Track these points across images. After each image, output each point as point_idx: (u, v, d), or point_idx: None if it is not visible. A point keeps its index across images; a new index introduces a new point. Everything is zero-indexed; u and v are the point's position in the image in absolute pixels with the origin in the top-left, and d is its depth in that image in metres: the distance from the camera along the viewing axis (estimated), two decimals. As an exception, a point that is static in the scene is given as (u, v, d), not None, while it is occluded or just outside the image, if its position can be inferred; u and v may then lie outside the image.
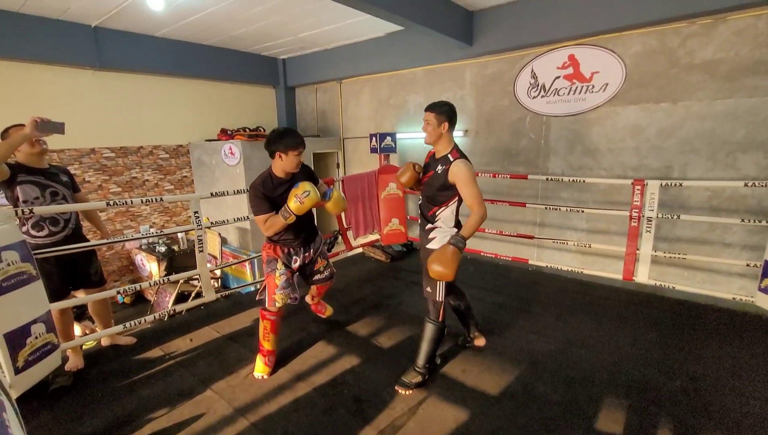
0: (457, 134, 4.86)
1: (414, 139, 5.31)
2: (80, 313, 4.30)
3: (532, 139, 4.36)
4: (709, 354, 2.57)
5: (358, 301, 3.51)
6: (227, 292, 3.31)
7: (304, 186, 2.13)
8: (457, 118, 2.20)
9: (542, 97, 4.22)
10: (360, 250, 4.81)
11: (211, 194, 3.04)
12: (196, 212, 2.92)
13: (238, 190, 3.28)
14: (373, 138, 4.94)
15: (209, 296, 3.06)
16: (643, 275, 3.30)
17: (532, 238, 4.04)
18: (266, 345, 2.45)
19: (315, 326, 3.04)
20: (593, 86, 3.90)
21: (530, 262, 4.02)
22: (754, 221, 2.97)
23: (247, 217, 3.41)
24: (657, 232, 3.29)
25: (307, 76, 6.21)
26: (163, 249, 5.19)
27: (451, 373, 2.43)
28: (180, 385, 2.37)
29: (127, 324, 2.68)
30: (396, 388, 2.28)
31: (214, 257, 5.48)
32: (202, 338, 2.93)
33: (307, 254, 2.51)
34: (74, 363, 2.51)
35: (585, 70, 3.92)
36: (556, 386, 2.28)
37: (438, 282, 2.20)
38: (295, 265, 2.46)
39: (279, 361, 2.58)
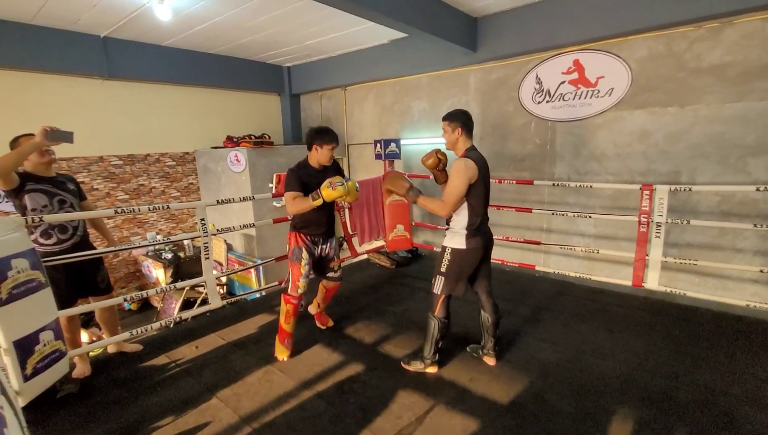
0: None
1: (418, 145, 5.31)
2: (87, 320, 4.32)
3: (538, 144, 4.34)
4: (726, 363, 2.51)
5: (364, 307, 3.49)
6: (233, 299, 3.30)
7: (339, 178, 2.40)
8: (473, 124, 2.38)
9: (547, 102, 4.20)
10: (365, 256, 4.79)
11: (218, 201, 3.05)
12: (202, 219, 2.93)
13: (244, 198, 3.29)
14: (378, 144, 4.94)
15: (215, 303, 3.06)
16: (653, 281, 3.25)
17: (539, 243, 4.00)
18: (286, 328, 2.68)
19: (321, 333, 3.02)
20: (599, 91, 3.88)
21: (537, 268, 3.98)
22: (767, 226, 2.91)
23: (254, 224, 3.42)
24: (666, 237, 3.24)
25: (311, 83, 6.26)
26: (169, 256, 5.22)
27: (459, 382, 2.40)
28: (186, 393, 2.36)
29: (134, 331, 2.68)
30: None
31: (220, 264, 5.50)
32: (207, 345, 2.93)
33: (324, 247, 2.72)
34: (81, 370, 2.51)
35: (590, 75, 3.91)
36: (567, 396, 2.24)
37: (437, 277, 2.41)
38: (317, 253, 2.69)
39: (284, 369, 2.57)
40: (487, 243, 2.42)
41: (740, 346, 2.69)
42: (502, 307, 2.55)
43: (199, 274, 3.05)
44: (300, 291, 2.63)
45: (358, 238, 4.42)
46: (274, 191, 5.22)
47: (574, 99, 4.03)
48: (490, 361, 2.56)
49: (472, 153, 2.31)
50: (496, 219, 2.52)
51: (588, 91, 3.94)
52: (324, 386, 2.39)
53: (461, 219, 2.32)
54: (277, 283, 3.53)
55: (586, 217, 3.77)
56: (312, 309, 3.14)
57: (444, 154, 2.54)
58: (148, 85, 5.28)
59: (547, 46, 3.97)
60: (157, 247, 5.40)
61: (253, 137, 5.29)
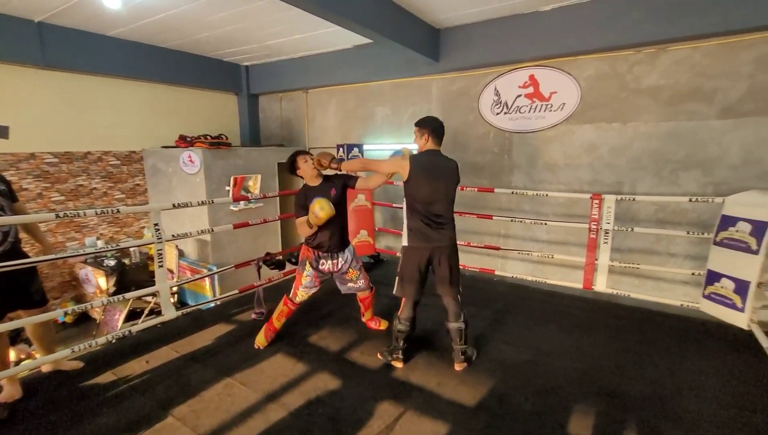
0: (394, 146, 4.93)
1: (381, 150, 5.34)
2: (14, 336, 3.85)
3: (496, 153, 4.53)
4: (665, 358, 2.74)
5: (328, 315, 3.43)
6: (189, 309, 3.10)
7: (319, 202, 2.44)
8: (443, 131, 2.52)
9: (505, 113, 4.41)
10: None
11: (174, 205, 2.86)
12: (156, 224, 2.73)
13: (202, 202, 3.11)
14: (340, 149, 4.91)
15: (169, 314, 2.86)
16: (601, 284, 3.50)
17: (498, 249, 4.16)
18: (276, 324, 2.85)
19: (284, 344, 2.92)
20: (552, 105, 4.13)
21: (496, 272, 4.13)
22: (697, 233, 3.25)
23: (212, 230, 3.24)
24: (612, 243, 3.50)
25: (271, 84, 6.09)
26: (112, 262, 4.80)
27: (428, 387, 2.42)
28: (137, 413, 2.18)
29: (76, 347, 2.42)
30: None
31: (171, 271, 5.14)
32: (159, 359, 2.72)
33: (335, 262, 2.78)
34: (10, 393, 2.23)
35: (544, 90, 4.15)
36: (529, 396, 2.33)
37: (396, 278, 2.58)
38: (324, 268, 2.77)
39: (246, 381, 2.46)
40: (434, 245, 2.44)
41: (677, 342, 2.96)
42: (466, 311, 2.61)
43: (147, 282, 2.84)
44: (298, 299, 2.78)
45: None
46: (231, 195, 5.00)
47: (529, 112, 4.25)
48: (458, 367, 2.58)
49: (423, 154, 2.48)
50: (459, 225, 2.60)
51: (542, 105, 4.18)
52: (290, 398, 2.31)
53: (406, 217, 2.52)
54: (237, 291, 3.36)
55: (541, 223, 3.98)
56: (363, 319, 3.21)
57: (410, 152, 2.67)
58: (91, 78, 4.86)
59: (506, 61, 4.17)
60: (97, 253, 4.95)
61: (209, 137, 5.04)
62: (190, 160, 4.89)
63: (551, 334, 3.10)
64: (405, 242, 2.53)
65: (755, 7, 2.94)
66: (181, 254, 5.28)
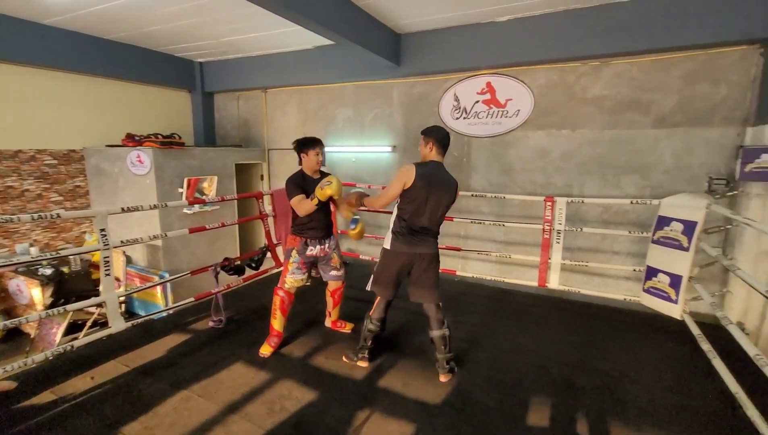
0: (385, 150, 4.99)
1: (344, 153, 5.32)
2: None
3: (456, 157, 4.66)
4: (613, 350, 2.95)
5: (291, 319, 3.33)
6: (140, 320, 2.90)
7: (329, 178, 2.55)
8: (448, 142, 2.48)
9: (464, 118, 4.55)
10: (289, 266, 4.61)
11: (124, 209, 2.67)
12: (102, 230, 2.54)
13: (155, 205, 2.92)
14: (303, 150, 4.82)
15: (117, 326, 2.66)
16: (554, 282, 3.70)
17: (459, 250, 4.28)
18: (274, 324, 2.86)
19: (245, 351, 2.82)
20: (507, 112, 4.32)
21: (457, 272, 4.24)
22: (637, 233, 3.53)
23: (165, 235, 3.07)
24: (564, 242, 3.72)
25: (227, 82, 5.88)
26: (48, 271, 4.38)
27: (393, 388, 2.43)
28: (81, 433, 2.00)
29: (8, 367, 2.19)
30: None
31: (117, 280, 4.79)
32: (106, 374, 2.53)
33: (322, 247, 2.90)
34: (-75, 422, 1.97)
35: (500, 97, 4.34)
36: (490, 392, 2.42)
37: (371, 277, 2.59)
38: (312, 253, 2.86)
39: (204, 393, 2.34)
40: (417, 252, 2.43)
41: (622, 334, 3.20)
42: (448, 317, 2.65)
43: (89, 292, 2.64)
44: (287, 286, 2.86)
45: (283, 247, 4.23)
46: (185, 197, 4.76)
47: (487, 117, 4.42)
48: (443, 378, 2.49)
49: (426, 165, 2.40)
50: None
51: (499, 111, 4.36)
52: (252, 408, 2.23)
53: (392, 220, 2.49)
54: (193, 299, 3.20)
55: (499, 225, 4.14)
56: (327, 322, 3.25)
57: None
58: (21, 69, 4.42)
59: (464, 68, 4.31)
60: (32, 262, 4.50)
61: (160, 136, 4.75)
62: (139, 160, 4.59)
63: (509, 331, 3.24)
64: (387, 245, 2.48)
65: (678, 29, 3.27)
66: (128, 261, 4.95)
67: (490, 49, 4.05)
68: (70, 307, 2.59)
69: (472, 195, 4.16)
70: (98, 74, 4.98)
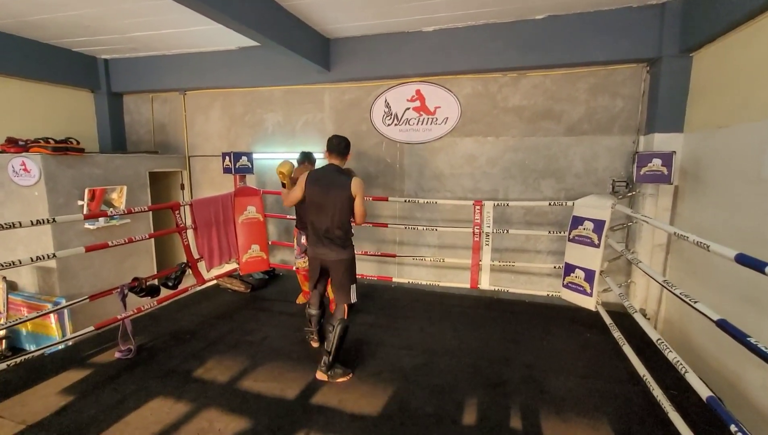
0: (318, 156, 4.84)
1: (273, 159, 5.06)
2: None
3: (389, 163, 4.67)
4: (537, 344, 3.11)
5: (214, 342, 3.06)
6: (22, 357, 2.42)
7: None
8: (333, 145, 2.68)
9: (395, 125, 4.58)
10: (214, 282, 4.25)
11: (1, 226, 2.21)
12: (-36, 251, 2.07)
13: (40, 220, 2.47)
14: (227, 157, 4.49)
15: (-12, 367, 2.19)
16: (485, 282, 3.84)
17: (394, 256, 4.27)
18: (305, 287, 3.66)
19: (158, 383, 2.49)
20: (437, 119, 4.43)
21: (394, 279, 4.22)
22: (556, 232, 3.79)
23: (54, 255, 2.61)
24: (492, 244, 3.88)
25: (139, 82, 5.32)
26: None
27: (329, 405, 2.30)
28: None
29: None
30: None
31: (-3, 310, 4.03)
32: (-27, 431, 2.07)
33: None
34: None
35: (430, 105, 4.44)
36: (427, 398, 2.39)
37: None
38: (304, 242, 3.21)
39: (107, 437, 2.01)
40: (328, 258, 2.56)
41: (546, 327, 3.39)
42: (365, 320, 2.63)
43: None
44: (300, 267, 3.62)
45: (206, 262, 3.88)
46: (86, 211, 4.16)
47: (417, 124, 4.50)
48: (318, 375, 2.55)
49: (318, 169, 2.65)
50: (357, 234, 2.61)
51: (428, 118, 4.45)
52: (167, 448, 1.96)
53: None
54: (92, 328, 2.77)
55: (432, 229, 4.21)
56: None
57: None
58: None
59: (393, 75, 4.35)
60: None
61: (51, 141, 4.12)
62: (24, 169, 3.93)
63: (444, 334, 3.27)
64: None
65: (581, 46, 3.61)
66: (12, 288, 4.20)
67: (417, 58, 4.13)
68: None
69: (406, 200, 4.18)
70: (-32, 67, 4.21)
